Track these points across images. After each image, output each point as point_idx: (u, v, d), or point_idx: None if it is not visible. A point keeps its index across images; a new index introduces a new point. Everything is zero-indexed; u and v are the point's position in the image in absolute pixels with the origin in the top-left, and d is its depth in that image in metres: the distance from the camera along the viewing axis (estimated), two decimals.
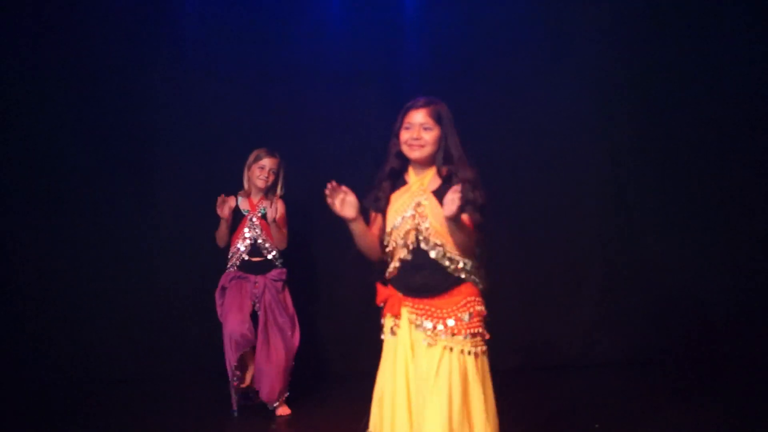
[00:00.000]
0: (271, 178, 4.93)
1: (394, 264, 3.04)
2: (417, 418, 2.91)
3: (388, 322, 3.06)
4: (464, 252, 2.96)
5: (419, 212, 2.99)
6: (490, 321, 3.04)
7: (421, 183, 3.06)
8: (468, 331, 2.95)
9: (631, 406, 4.86)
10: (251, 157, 4.94)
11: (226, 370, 4.89)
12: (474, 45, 5.85)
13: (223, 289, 4.96)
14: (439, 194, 2.96)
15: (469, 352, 2.94)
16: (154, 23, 5.81)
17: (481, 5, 5.86)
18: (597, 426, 4.43)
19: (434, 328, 2.95)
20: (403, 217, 3.01)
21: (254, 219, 4.94)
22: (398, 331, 3.02)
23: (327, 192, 2.87)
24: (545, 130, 5.84)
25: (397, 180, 3.13)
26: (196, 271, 5.73)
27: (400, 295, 3.03)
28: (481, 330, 2.99)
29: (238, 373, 4.87)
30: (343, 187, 2.91)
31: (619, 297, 5.88)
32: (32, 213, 5.78)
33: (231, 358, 4.83)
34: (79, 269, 5.80)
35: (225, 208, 4.86)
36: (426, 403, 2.88)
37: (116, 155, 5.82)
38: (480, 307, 3.02)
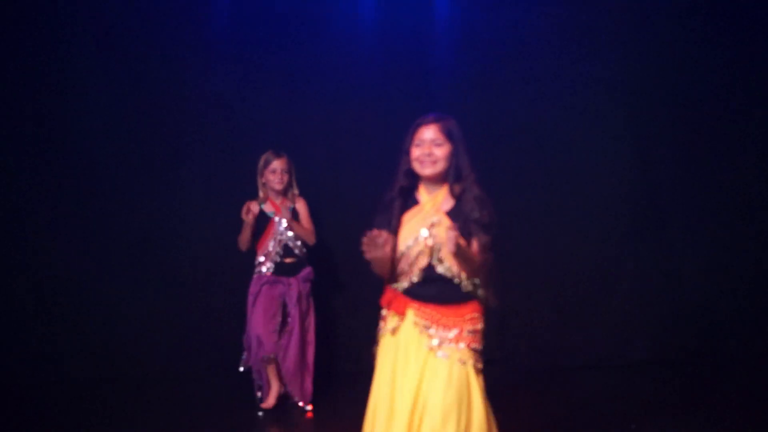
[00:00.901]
0: (286, 178, 4.95)
1: (403, 285, 2.99)
2: (416, 423, 2.86)
3: (390, 321, 3.01)
4: (473, 275, 2.95)
5: (433, 234, 2.93)
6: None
7: (434, 202, 3.02)
8: (472, 345, 2.94)
9: (665, 406, 4.80)
10: (260, 164, 4.96)
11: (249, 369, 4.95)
12: (503, 48, 5.80)
13: (255, 293, 4.92)
14: (453, 215, 2.96)
15: (473, 366, 2.92)
16: (185, 18, 5.77)
17: (511, 7, 5.82)
18: (634, 427, 4.36)
19: (439, 334, 2.92)
20: (415, 239, 2.96)
21: (282, 220, 4.93)
22: (400, 332, 2.97)
23: (365, 240, 2.77)
24: (576, 132, 5.78)
25: (408, 199, 3.06)
26: (221, 269, 5.73)
27: (407, 297, 2.99)
28: (480, 348, 2.96)
29: (264, 373, 4.89)
30: (383, 237, 2.80)
31: (650, 297, 5.82)
32: (57, 208, 5.75)
33: (255, 358, 4.88)
34: (101, 264, 5.76)
35: (250, 214, 4.87)
36: (431, 410, 2.84)
37: (142, 150, 5.78)
38: (482, 326, 3.00)
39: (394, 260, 3.00)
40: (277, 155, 4.94)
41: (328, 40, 5.84)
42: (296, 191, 5.04)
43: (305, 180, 5.15)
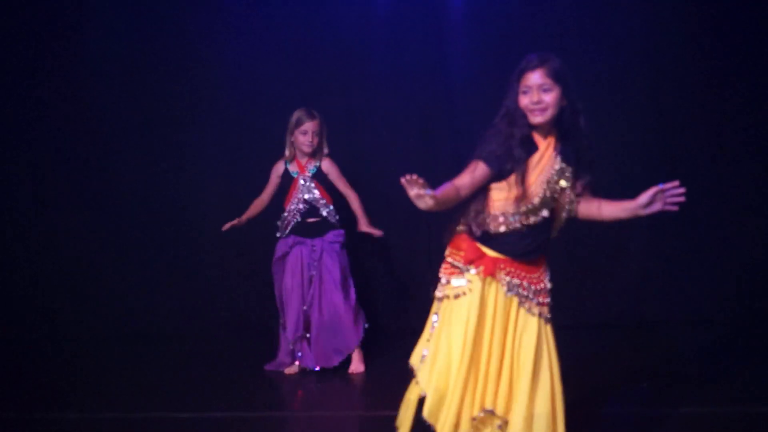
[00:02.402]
0: (316, 141, 4.82)
1: (493, 233, 2.92)
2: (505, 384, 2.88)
3: (476, 281, 2.90)
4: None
5: (556, 181, 2.91)
6: None
7: (549, 148, 2.93)
8: (546, 300, 3.00)
9: (679, 366, 4.84)
10: (291, 122, 4.82)
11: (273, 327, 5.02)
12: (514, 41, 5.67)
13: (283, 256, 4.90)
14: (567, 157, 2.93)
15: (550, 320, 2.98)
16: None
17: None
18: (645, 384, 4.41)
19: (527, 291, 2.94)
20: (547, 183, 2.89)
21: (306, 180, 4.86)
22: (489, 291, 2.90)
23: (403, 182, 2.55)
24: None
25: (530, 145, 2.92)
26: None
27: (493, 254, 2.93)
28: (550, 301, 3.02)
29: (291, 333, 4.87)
30: (421, 183, 2.53)
31: (665, 256, 5.79)
32: (77, 175, 5.91)
33: (296, 334, 4.85)
34: (119, 227, 5.92)
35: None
36: (524, 365, 2.86)
37: (156, 117, 5.88)
38: (548, 277, 3.05)
39: (465, 198, 2.87)
40: (310, 116, 4.80)
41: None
42: (326, 150, 4.91)
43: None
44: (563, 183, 2.92)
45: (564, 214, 2.96)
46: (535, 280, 2.96)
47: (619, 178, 5.38)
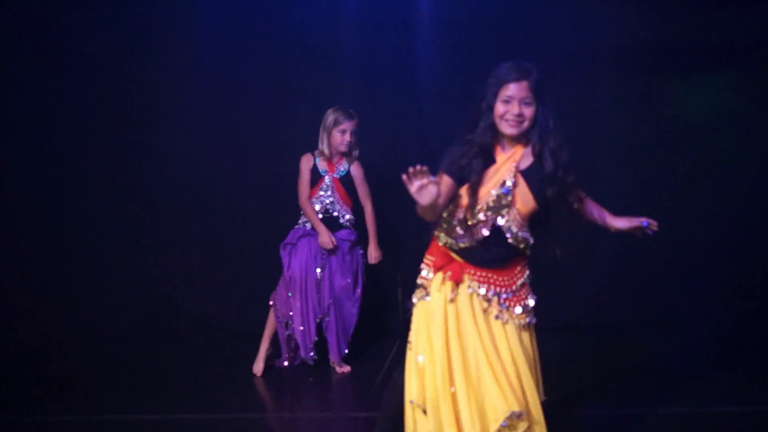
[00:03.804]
0: (353, 140, 4.86)
1: (470, 242, 2.90)
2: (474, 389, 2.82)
3: (445, 287, 2.90)
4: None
5: (507, 195, 2.86)
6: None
7: (513, 160, 2.88)
8: (524, 302, 2.94)
9: (642, 366, 4.91)
10: (329, 120, 4.84)
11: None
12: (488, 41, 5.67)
13: (290, 245, 4.91)
14: (529, 175, 2.87)
15: (527, 324, 2.93)
16: None
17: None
18: (611, 386, 4.49)
19: (498, 298, 2.90)
20: (496, 196, 2.86)
21: (332, 180, 4.89)
22: (457, 298, 2.88)
23: (408, 174, 2.55)
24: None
25: (487, 157, 2.90)
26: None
27: (461, 261, 2.93)
28: (532, 302, 2.97)
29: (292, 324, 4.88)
30: (427, 174, 2.55)
31: (631, 258, 5.82)
32: (89, 161, 5.85)
33: (292, 308, 4.86)
34: (124, 223, 5.88)
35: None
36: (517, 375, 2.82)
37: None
38: (529, 276, 3.01)
39: (440, 208, 2.86)
40: (349, 115, 4.83)
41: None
42: (356, 153, 4.93)
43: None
44: (504, 200, 2.87)
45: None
46: (506, 285, 2.92)
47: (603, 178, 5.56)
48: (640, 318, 5.85)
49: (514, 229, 2.88)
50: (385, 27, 5.77)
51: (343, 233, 4.97)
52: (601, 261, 5.83)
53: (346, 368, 4.99)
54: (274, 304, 4.94)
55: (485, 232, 2.88)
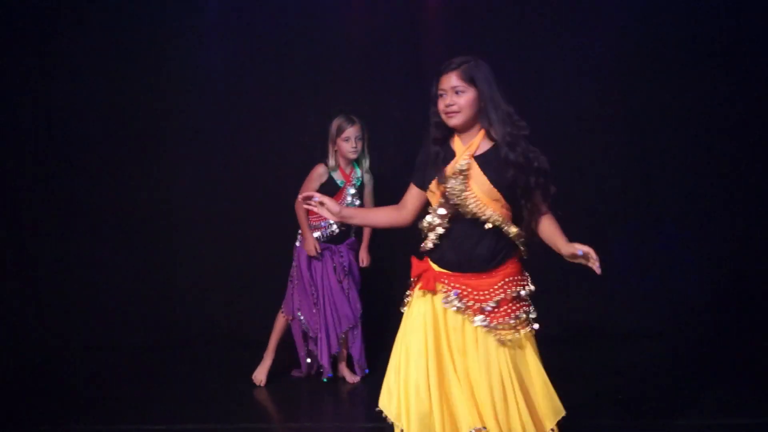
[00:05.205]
0: (360, 146, 4.81)
1: (433, 239, 2.91)
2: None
3: (423, 299, 2.91)
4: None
5: (462, 182, 2.83)
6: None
7: (469, 149, 2.88)
8: (516, 313, 2.87)
9: (652, 377, 4.90)
10: (333, 130, 4.79)
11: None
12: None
13: (315, 259, 4.85)
14: (483, 160, 2.85)
15: (509, 340, 2.84)
16: None
17: None
18: (620, 397, 4.47)
19: (469, 309, 2.84)
20: (453, 183, 2.84)
21: (352, 190, 4.86)
22: (425, 307, 2.88)
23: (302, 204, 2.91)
24: (572, 117, 5.72)
25: (448, 151, 2.92)
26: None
27: (435, 270, 2.92)
28: (521, 313, 2.89)
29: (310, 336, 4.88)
30: (315, 199, 2.94)
31: (638, 270, 5.84)
32: (85, 172, 5.86)
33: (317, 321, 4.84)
34: (116, 235, 5.87)
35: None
36: (483, 388, 2.81)
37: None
38: (521, 287, 2.93)
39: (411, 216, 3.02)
40: (350, 121, 4.77)
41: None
42: (367, 163, 4.89)
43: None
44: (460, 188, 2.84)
45: (524, 229, 2.89)
46: (485, 295, 2.85)
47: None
48: (644, 328, 5.81)
49: (474, 209, 2.83)
50: (392, 28, 5.79)
51: (349, 241, 4.98)
52: (610, 269, 5.77)
53: (357, 378, 4.98)
54: (293, 318, 4.92)
55: (443, 211, 2.87)
